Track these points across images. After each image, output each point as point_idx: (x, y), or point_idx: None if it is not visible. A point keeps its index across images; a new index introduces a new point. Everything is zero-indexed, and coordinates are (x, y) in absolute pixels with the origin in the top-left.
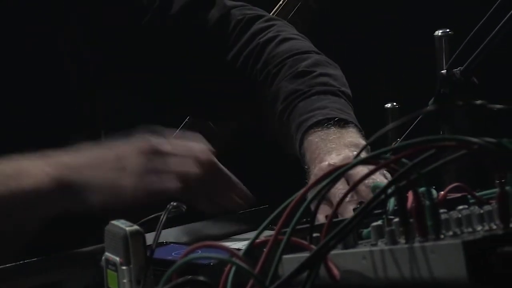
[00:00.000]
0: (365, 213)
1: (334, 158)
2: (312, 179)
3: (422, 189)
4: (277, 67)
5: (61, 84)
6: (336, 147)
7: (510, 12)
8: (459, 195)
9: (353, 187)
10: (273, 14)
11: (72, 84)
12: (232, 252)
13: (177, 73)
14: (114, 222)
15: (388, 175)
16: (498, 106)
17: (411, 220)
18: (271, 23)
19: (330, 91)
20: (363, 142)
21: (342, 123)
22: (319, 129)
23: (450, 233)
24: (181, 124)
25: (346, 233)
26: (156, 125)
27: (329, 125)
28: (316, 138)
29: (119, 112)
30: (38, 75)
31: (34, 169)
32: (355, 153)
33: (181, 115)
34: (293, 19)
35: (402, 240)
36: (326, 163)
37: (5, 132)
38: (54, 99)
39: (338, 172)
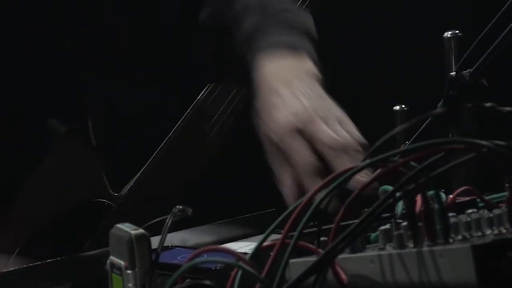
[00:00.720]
0: (373, 216)
1: (284, 92)
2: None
3: (430, 193)
4: (245, 12)
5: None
6: (287, 75)
7: None
8: (468, 198)
9: (361, 190)
10: None
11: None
12: (238, 256)
13: (152, 44)
14: (119, 225)
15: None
16: (508, 108)
17: (420, 224)
18: None
19: (292, 27)
20: (315, 70)
21: (295, 51)
22: (271, 55)
23: (459, 237)
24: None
25: (354, 237)
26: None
27: (281, 51)
28: (267, 64)
29: (107, 100)
30: (34, 73)
31: None
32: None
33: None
34: None
35: (411, 244)
36: (283, 119)
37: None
38: (48, 91)
39: (346, 176)
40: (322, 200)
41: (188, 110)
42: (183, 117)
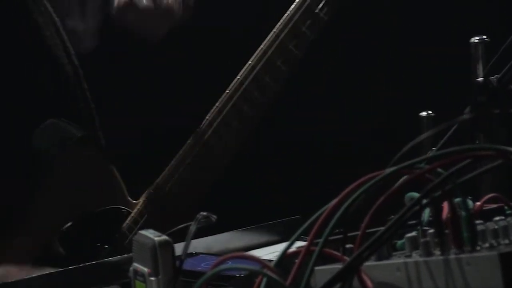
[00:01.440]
0: (399, 224)
1: None
2: None
3: (457, 200)
4: None
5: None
6: None
7: None
8: (495, 205)
9: (387, 197)
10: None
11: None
12: (263, 263)
13: None
14: (143, 231)
15: None
16: None
17: (447, 231)
18: None
19: None
20: None
21: None
22: None
23: (487, 244)
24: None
25: (379, 244)
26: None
27: None
28: None
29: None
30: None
31: None
32: None
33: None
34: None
35: (437, 252)
36: None
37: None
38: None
39: (374, 181)
40: (348, 206)
41: (207, 116)
42: (203, 122)
